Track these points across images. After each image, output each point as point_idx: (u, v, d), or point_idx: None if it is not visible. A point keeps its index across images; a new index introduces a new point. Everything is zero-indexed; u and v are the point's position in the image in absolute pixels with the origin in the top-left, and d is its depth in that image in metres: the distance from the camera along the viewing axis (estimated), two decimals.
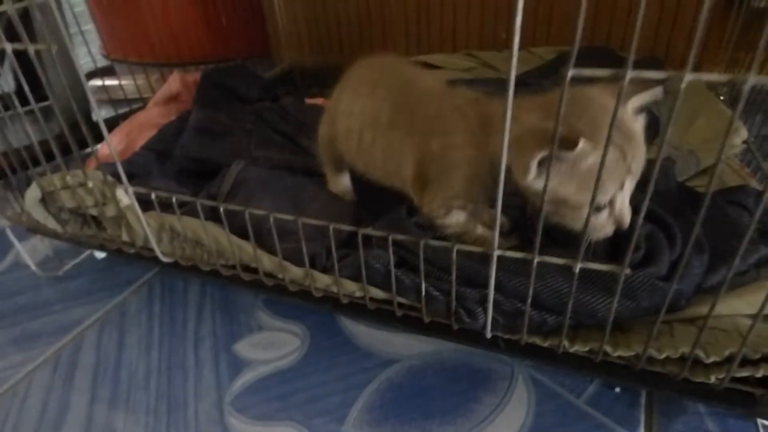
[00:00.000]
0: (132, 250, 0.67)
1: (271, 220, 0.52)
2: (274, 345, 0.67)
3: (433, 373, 0.62)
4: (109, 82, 1.22)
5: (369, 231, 0.51)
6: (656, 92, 0.45)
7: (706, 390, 0.45)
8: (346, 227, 0.50)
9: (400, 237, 0.49)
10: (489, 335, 0.52)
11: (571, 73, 0.32)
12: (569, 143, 0.39)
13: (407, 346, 0.65)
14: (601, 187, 0.38)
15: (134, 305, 0.75)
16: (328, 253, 0.55)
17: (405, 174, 0.57)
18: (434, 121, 0.54)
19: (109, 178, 0.63)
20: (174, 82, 1.02)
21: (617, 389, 0.58)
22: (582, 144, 0.40)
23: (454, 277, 0.48)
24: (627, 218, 0.46)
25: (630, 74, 0.31)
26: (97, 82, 1.18)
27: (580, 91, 0.44)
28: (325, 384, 0.62)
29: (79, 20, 1.00)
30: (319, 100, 1.10)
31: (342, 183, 0.73)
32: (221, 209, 0.56)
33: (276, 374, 0.63)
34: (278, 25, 1.35)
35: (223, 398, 0.61)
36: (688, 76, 0.30)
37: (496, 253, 0.45)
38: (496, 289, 0.49)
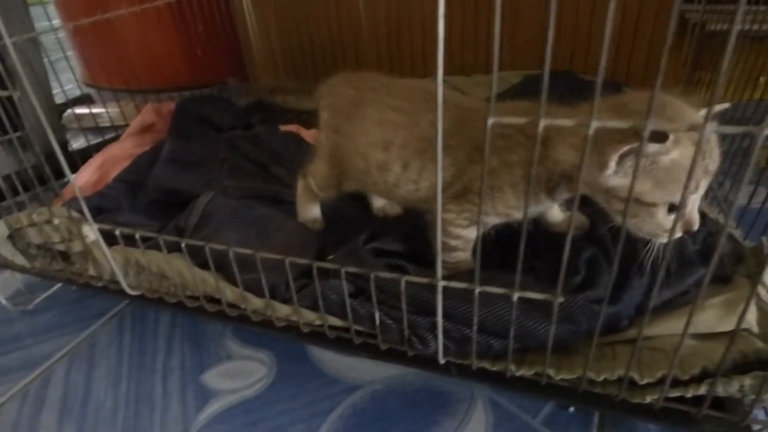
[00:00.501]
0: (100, 284, 0.68)
1: (231, 254, 0.54)
2: (241, 374, 0.68)
3: (395, 398, 0.63)
4: (94, 110, 1.24)
5: (324, 264, 0.53)
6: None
7: (646, 410, 0.48)
8: (303, 261, 0.52)
9: (352, 269, 0.51)
10: (442, 361, 0.54)
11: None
12: (659, 136, 0.39)
13: (371, 372, 0.67)
14: (681, 186, 0.36)
15: (104, 338, 0.76)
16: (288, 285, 0.57)
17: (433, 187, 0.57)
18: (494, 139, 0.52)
19: (75, 214, 0.65)
20: (148, 113, 1.04)
21: (571, 409, 0.60)
22: (670, 140, 0.40)
23: (404, 306, 0.50)
24: (697, 223, 0.45)
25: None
26: (84, 110, 1.20)
27: (646, 94, 0.44)
28: (291, 412, 0.63)
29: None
30: (293, 127, 1.12)
31: (313, 212, 0.75)
32: (183, 244, 0.58)
33: (242, 403, 0.64)
34: (253, 51, 1.38)
35: (188, 430, 0.61)
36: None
37: (441, 283, 0.47)
38: (444, 316, 0.51)
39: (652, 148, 0.41)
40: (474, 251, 0.60)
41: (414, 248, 0.65)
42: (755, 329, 0.51)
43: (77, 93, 1.52)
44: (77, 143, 1.20)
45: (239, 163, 0.93)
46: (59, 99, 1.21)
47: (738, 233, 0.67)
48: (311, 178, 0.71)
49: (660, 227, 0.46)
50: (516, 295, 0.44)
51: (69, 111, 1.31)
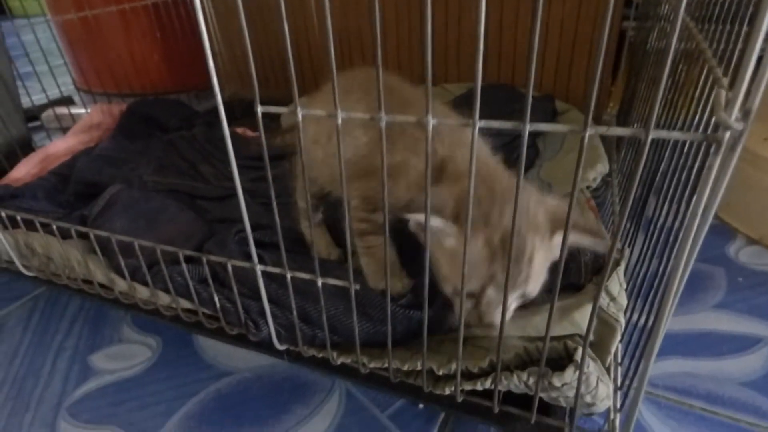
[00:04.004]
0: (3, 265, 0.73)
1: (113, 240, 0.58)
2: (126, 356, 0.72)
3: (260, 386, 0.66)
4: (73, 110, 1.32)
5: (188, 252, 0.55)
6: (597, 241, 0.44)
7: (484, 411, 0.48)
8: (170, 248, 0.55)
9: (213, 258, 0.54)
10: (280, 347, 0.56)
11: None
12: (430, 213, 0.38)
13: (245, 360, 0.69)
14: (462, 273, 0.38)
15: (15, 318, 0.81)
16: (148, 269, 0.60)
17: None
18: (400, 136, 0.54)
19: None
20: (95, 112, 1.11)
21: (420, 406, 0.61)
22: (439, 221, 0.41)
23: (235, 288, 0.53)
24: (489, 317, 0.44)
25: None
26: (63, 110, 1.28)
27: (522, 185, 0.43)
28: (159, 393, 0.66)
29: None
30: (240, 129, 1.17)
31: (320, 239, 0.71)
32: (72, 230, 0.62)
33: (118, 383, 0.67)
34: (219, 62, 1.45)
35: (62, 403, 0.65)
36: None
37: (258, 267, 0.49)
38: (272, 302, 0.53)
39: (433, 222, 0.41)
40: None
41: (293, 246, 0.68)
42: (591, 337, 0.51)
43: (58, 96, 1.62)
44: None
45: (172, 161, 0.98)
46: (40, 101, 1.31)
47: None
48: (296, 194, 0.72)
49: (456, 306, 0.46)
50: (320, 281, 0.47)
51: (49, 111, 1.40)
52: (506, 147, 0.74)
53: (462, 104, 1.26)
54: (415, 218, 0.43)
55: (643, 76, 0.86)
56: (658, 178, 0.51)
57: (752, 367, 0.63)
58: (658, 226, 0.46)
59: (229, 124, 1.33)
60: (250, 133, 1.16)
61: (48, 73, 1.14)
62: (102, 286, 0.66)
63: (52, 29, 1.36)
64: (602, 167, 0.84)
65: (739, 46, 0.37)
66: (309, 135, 0.63)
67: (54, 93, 1.27)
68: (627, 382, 0.46)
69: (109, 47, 1.47)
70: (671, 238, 0.41)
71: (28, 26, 1.09)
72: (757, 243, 0.81)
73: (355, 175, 0.56)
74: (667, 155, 0.49)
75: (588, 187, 0.82)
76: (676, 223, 0.40)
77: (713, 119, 0.35)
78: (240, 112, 1.43)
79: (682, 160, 0.44)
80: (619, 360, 0.53)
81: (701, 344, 0.66)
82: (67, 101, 1.58)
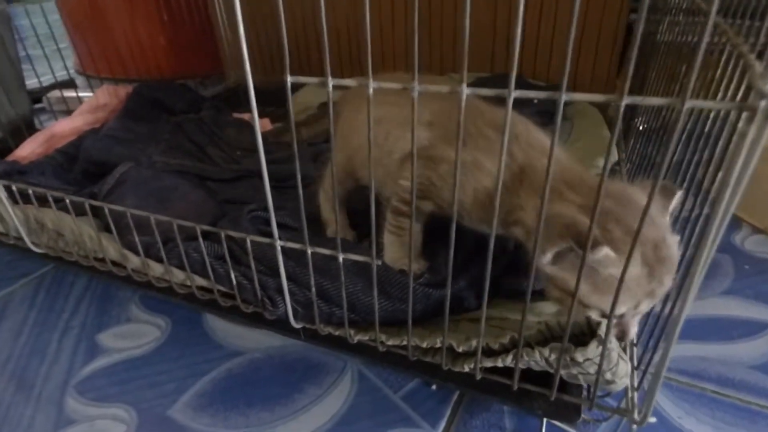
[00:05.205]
0: (11, 241, 0.72)
1: (128, 215, 0.57)
2: (135, 335, 0.71)
3: (271, 366, 0.65)
4: (80, 93, 1.30)
5: (205, 227, 0.55)
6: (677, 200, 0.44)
7: (499, 388, 0.48)
8: (186, 223, 0.54)
9: (230, 232, 0.53)
10: (296, 325, 0.56)
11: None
12: (593, 244, 0.37)
13: (256, 341, 0.69)
14: (619, 300, 0.37)
15: (20, 295, 0.80)
16: (164, 245, 0.59)
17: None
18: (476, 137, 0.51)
19: None
20: (102, 93, 1.09)
21: (433, 387, 0.61)
22: (605, 251, 0.38)
23: (252, 265, 0.52)
24: (630, 336, 0.44)
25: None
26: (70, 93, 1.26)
27: (627, 190, 0.43)
28: (169, 372, 0.65)
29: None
30: (246, 115, 1.16)
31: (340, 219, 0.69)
32: (86, 204, 0.61)
33: (126, 361, 0.67)
34: (224, 47, 1.43)
35: (69, 381, 0.64)
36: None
37: (279, 243, 0.49)
38: (289, 279, 0.53)
39: (594, 255, 0.38)
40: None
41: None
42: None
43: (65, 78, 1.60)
44: None
45: (179, 143, 0.97)
46: (48, 81, 1.29)
47: None
48: (326, 180, 0.71)
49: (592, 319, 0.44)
50: (341, 257, 0.47)
51: (54, 92, 1.38)
52: None
53: None
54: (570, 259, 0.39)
55: (653, 66, 0.87)
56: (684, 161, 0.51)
57: (761, 350, 0.63)
58: (681, 211, 0.46)
59: (237, 111, 1.32)
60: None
61: (47, 57, 1.12)
62: (114, 263, 0.65)
63: (46, 15, 1.34)
64: (611, 156, 0.85)
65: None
66: (358, 121, 0.61)
67: (59, 75, 1.25)
68: (645, 361, 0.46)
69: (113, 30, 1.45)
70: (691, 222, 0.41)
71: (34, 10, 1.08)
72: (763, 232, 0.82)
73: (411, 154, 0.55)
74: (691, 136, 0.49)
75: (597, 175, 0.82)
76: (698, 205, 0.40)
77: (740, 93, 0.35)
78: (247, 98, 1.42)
79: (701, 142, 0.44)
80: (635, 340, 0.53)
81: (711, 329, 0.67)
82: (70, 84, 1.57)
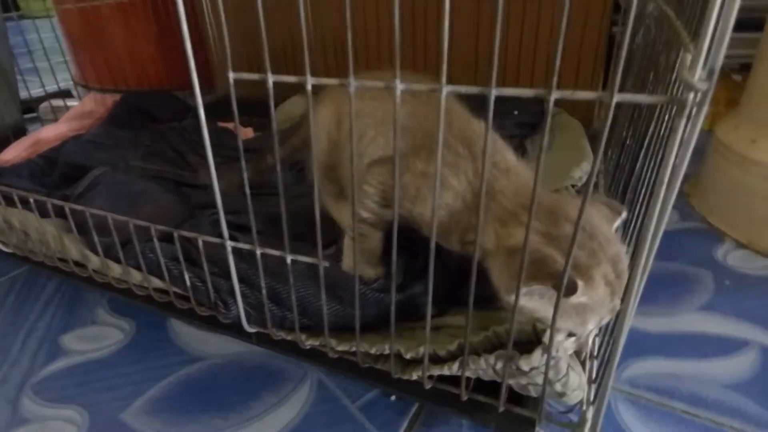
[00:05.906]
0: None
1: (87, 215, 0.57)
2: (98, 338, 0.70)
3: (231, 372, 0.64)
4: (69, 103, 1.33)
5: (161, 228, 0.55)
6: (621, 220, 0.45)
7: (454, 401, 0.46)
8: (142, 223, 0.54)
9: (184, 233, 0.53)
10: (249, 329, 0.55)
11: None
12: (567, 290, 0.36)
13: (218, 346, 0.68)
14: (586, 321, 0.40)
15: None
16: (123, 246, 0.59)
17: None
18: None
19: None
20: (89, 101, 1.11)
21: (393, 398, 0.59)
22: (579, 290, 0.38)
23: (205, 266, 0.52)
24: (588, 348, 0.45)
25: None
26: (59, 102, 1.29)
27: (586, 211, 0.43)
28: (127, 375, 0.64)
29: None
30: (230, 124, 1.17)
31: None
32: (48, 204, 0.61)
33: (86, 364, 0.66)
34: (214, 58, 1.46)
35: (27, 381, 0.63)
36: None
37: (229, 243, 0.48)
38: (243, 282, 0.52)
39: (572, 300, 0.38)
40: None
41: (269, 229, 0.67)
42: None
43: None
44: None
45: (160, 149, 0.98)
46: (38, 93, 1.32)
47: None
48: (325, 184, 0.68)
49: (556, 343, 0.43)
50: (289, 258, 0.46)
51: (45, 103, 1.41)
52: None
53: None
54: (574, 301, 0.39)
55: (631, 74, 0.87)
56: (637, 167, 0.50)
57: (738, 369, 0.61)
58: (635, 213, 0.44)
59: (222, 120, 1.32)
60: (241, 129, 1.16)
61: (48, 69, 1.15)
62: (77, 264, 0.65)
63: (56, 30, 1.38)
64: (587, 166, 0.83)
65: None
66: (345, 127, 0.60)
67: (51, 88, 1.28)
68: (600, 375, 0.44)
69: (107, 42, 1.48)
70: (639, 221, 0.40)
71: (27, 26, 1.10)
72: (746, 247, 0.80)
73: (380, 161, 0.55)
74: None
75: (573, 186, 0.81)
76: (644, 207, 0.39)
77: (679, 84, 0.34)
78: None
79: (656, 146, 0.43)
80: (596, 352, 0.51)
81: (686, 345, 0.64)
82: (64, 94, 1.60)
